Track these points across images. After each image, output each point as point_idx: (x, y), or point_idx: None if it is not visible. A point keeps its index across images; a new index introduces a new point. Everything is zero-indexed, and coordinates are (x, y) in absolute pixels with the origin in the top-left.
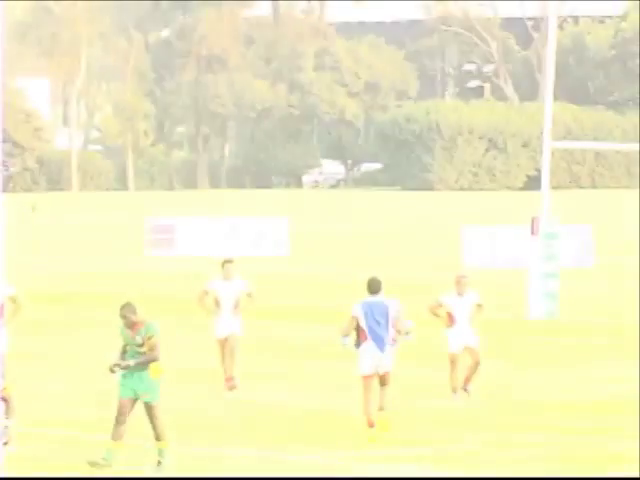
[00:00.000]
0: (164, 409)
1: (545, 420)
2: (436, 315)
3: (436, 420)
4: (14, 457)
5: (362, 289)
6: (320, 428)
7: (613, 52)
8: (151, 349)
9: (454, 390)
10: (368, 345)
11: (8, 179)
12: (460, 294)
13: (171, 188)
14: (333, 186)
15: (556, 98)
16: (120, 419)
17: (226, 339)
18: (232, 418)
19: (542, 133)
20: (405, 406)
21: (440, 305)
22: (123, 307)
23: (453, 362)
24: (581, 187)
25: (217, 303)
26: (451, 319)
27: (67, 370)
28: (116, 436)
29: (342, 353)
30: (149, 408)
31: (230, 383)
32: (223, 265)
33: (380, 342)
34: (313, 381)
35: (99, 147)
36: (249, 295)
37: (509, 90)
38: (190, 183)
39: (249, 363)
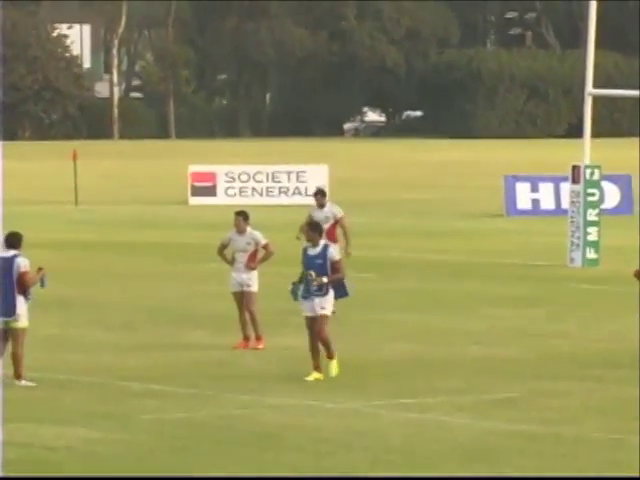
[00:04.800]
0: (203, 359)
1: (584, 369)
2: None
3: (474, 368)
4: (50, 405)
5: (401, 236)
6: (357, 377)
7: None
8: None
9: None
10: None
11: (49, 126)
12: None
13: (212, 136)
14: (374, 134)
15: (597, 46)
16: None
17: (242, 293)
18: (271, 367)
19: (583, 81)
20: (442, 354)
21: None
22: None
23: None
24: (622, 135)
25: (232, 256)
26: None
27: (109, 318)
28: None
29: (381, 302)
30: None
31: (246, 344)
32: (234, 217)
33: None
34: (349, 330)
35: (140, 95)
36: (265, 247)
37: (551, 38)
38: (231, 131)
39: (288, 312)
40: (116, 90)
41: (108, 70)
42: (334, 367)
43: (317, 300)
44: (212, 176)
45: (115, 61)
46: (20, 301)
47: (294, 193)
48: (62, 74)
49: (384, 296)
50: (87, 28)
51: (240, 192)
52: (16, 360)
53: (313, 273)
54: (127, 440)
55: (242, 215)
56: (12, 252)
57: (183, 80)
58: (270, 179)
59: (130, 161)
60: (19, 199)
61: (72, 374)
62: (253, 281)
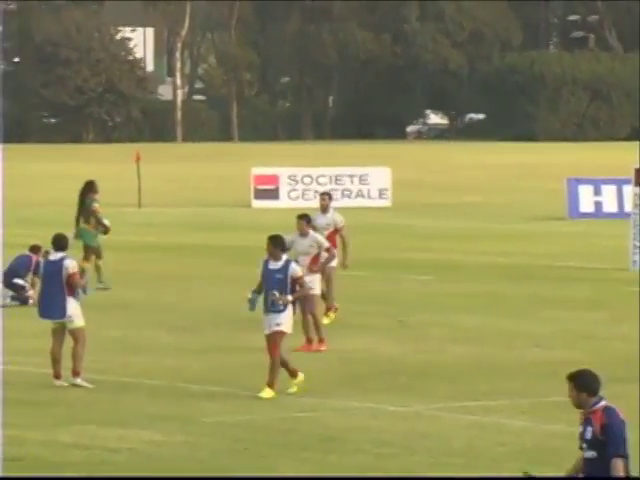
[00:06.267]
0: (265, 362)
1: None
2: None
3: (535, 371)
4: (113, 407)
5: (463, 239)
6: (418, 380)
7: None
8: None
9: None
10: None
11: (113, 129)
12: None
13: (275, 138)
14: (437, 137)
15: None
16: None
17: (304, 296)
18: (333, 370)
19: None
20: (504, 356)
21: None
22: None
23: None
24: None
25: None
26: None
27: (171, 321)
28: None
29: (443, 305)
30: None
31: (309, 346)
32: (297, 220)
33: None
34: (411, 332)
35: (203, 97)
36: (327, 251)
37: (613, 40)
38: (294, 133)
39: (350, 315)
40: (179, 93)
41: (171, 73)
42: (294, 386)
43: (273, 316)
44: (275, 179)
45: (178, 64)
46: (70, 302)
47: (357, 196)
48: (125, 77)
49: (445, 299)
50: (150, 31)
51: (303, 195)
52: (75, 358)
53: (277, 293)
54: (189, 442)
55: (305, 218)
56: (60, 254)
57: (246, 83)
58: (333, 182)
59: (193, 164)
60: None
61: (134, 376)
62: (315, 284)
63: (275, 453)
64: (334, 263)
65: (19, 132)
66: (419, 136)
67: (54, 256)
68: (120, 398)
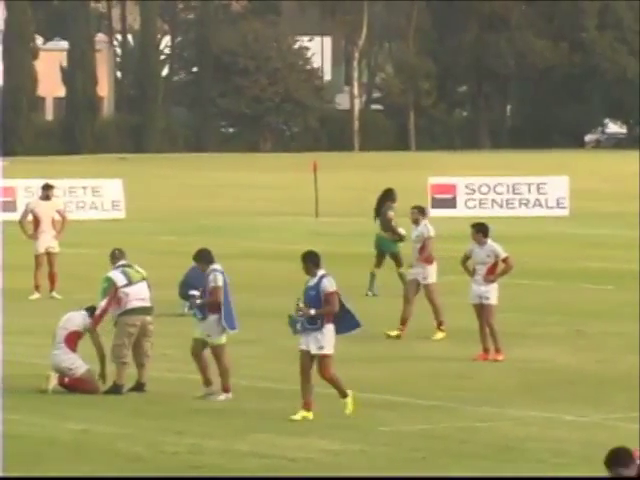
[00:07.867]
0: (442, 371)
1: None
2: None
3: None
4: (289, 416)
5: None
6: (596, 390)
7: None
8: None
9: None
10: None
11: (290, 138)
12: None
13: (452, 147)
14: (615, 145)
15: None
16: None
17: (481, 306)
18: (511, 379)
19: None
20: None
21: None
22: None
23: None
24: None
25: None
26: None
27: None
28: None
29: (621, 314)
30: None
31: (485, 355)
32: (472, 230)
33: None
34: (588, 342)
35: (380, 107)
36: (504, 261)
37: None
38: (471, 142)
39: (528, 324)
40: (356, 102)
41: (349, 82)
42: (349, 404)
43: (313, 336)
44: (452, 188)
45: (355, 73)
46: None
47: (534, 205)
48: (303, 86)
49: (624, 308)
50: (328, 40)
51: (480, 204)
52: (225, 374)
53: (301, 303)
54: (366, 451)
55: (477, 227)
56: (217, 266)
57: (423, 92)
58: (510, 191)
59: (370, 173)
60: (260, 210)
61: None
62: (492, 294)
63: (453, 462)
64: (432, 279)
65: (197, 141)
66: (597, 145)
67: (217, 268)
68: (297, 407)
